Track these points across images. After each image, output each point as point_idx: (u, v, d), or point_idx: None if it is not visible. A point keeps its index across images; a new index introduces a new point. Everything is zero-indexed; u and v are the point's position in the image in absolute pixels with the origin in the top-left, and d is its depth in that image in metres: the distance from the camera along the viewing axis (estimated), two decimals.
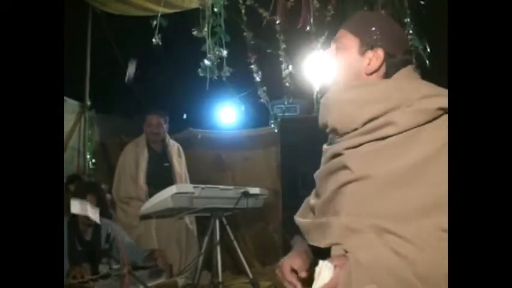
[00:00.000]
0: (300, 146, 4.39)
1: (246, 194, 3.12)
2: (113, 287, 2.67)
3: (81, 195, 3.18)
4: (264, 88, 4.76)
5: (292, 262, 1.34)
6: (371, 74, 1.34)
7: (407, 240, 1.14)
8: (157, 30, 3.59)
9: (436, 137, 1.20)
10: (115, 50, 5.23)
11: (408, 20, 3.50)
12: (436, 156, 1.19)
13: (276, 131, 4.75)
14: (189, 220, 4.03)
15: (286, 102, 4.79)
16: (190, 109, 5.84)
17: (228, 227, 3.20)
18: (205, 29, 3.31)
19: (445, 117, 1.22)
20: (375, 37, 1.33)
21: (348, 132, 1.31)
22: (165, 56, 5.35)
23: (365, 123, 1.27)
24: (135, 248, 3.17)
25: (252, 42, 4.62)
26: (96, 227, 3.19)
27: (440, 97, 1.23)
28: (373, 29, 1.34)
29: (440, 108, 1.22)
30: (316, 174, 1.46)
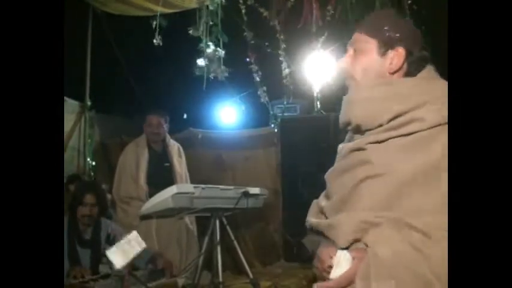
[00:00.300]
0: (300, 145, 4.39)
1: (246, 194, 3.12)
2: (113, 287, 2.67)
3: (80, 195, 3.18)
4: (264, 88, 4.77)
5: (329, 250, 1.30)
6: (394, 73, 1.37)
7: (425, 235, 1.17)
8: (157, 31, 3.59)
9: None
10: (115, 50, 5.23)
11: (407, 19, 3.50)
12: None
13: (276, 130, 4.76)
14: (189, 220, 4.03)
15: (286, 102, 4.80)
16: (191, 109, 5.85)
17: (228, 227, 3.20)
18: (201, 28, 3.31)
19: None
20: (393, 36, 1.35)
21: (371, 129, 1.34)
22: (166, 56, 5.37)
23: (390, 120, 1.30)
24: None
25: (252, 42, 4.63)
26: (95, 227, 3.19)
27: None
28: (390, 28, 1.36)
29: None
30: (329, 174, 1.47)
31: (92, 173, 5.19)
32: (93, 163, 5.28)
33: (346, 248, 1.26)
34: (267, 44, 4.64)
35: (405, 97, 1.30)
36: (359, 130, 1.37)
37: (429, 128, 1.26)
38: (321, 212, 1.46)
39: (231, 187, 3.21)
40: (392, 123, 1.30)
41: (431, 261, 1.14)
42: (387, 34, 1.35)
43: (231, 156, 5.09)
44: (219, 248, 3.08)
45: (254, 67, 4.72)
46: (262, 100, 4.83)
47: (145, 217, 3.61)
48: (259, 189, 3.28)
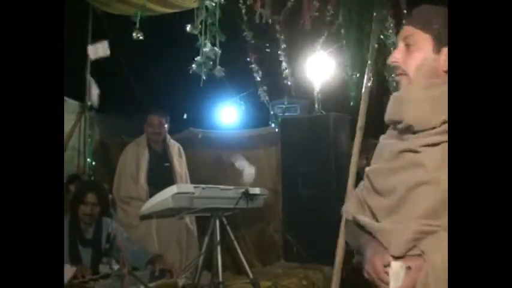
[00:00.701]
0: (301, 145, 4.38)
1: (246, 194, 3.12)
2: (113, 287, 2.67)
3: (82, 194, 3.18)
4: (264, 88, 4.77)
5: (383, 258, 1.27)
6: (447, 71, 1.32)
7: None
8: (137, 25, 3.59)
9: None
10: (115, 50, 5.23)
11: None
12: None
13: (276, 130, 4.76)
14: (189, 220, 4.03)
15: (286, 102, 4.79)
16: (191, 109, 5.84)
17: (228, 227, 3.19)
18: (199, 27, 3.31)
19: None
20: (447, 32, 1.28)
21: (424, 130, 1.30)
22: (166, 56, 5.37)
23: (444, 122, 1.27)
24: (136, 250, 3.16)
25: (252, 41, 4.63)
26: (97, 226, 3.19)
27: None
28: (443, 23, 1.30)
29: None
30: (375, 172, 1.42)
31: (92, 173, 5.19)
32: (93, 163, 5.28)
33: (400, 257, 1.24)
34: (267, 45, 4.64)
35: None
36: (409, 130, 1.34)
37: None
38: (368, 208, 1.43)
39: (231, 187, 3.21)
40: (446, 126, 1.26)
41: None
42: (441, 29, 1.31)
43: (231, 156, 5.09)
44: (219, 248, 3.08)
45: (254, 67, 4.72)
46: (262, 100, 4.83)
47: (145, 217, 3.61)
48: (259, 189, 3.28)
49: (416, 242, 1.23)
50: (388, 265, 1.24)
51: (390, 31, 3.55)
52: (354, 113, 3.73)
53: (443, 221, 1.19)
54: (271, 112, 4.83)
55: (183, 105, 5.70)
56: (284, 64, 4.64)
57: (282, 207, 4.52)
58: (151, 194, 3.51)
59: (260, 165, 4.91)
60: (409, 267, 1.20)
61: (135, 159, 4.02)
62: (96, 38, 5.12)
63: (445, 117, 1.26)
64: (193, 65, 3.45)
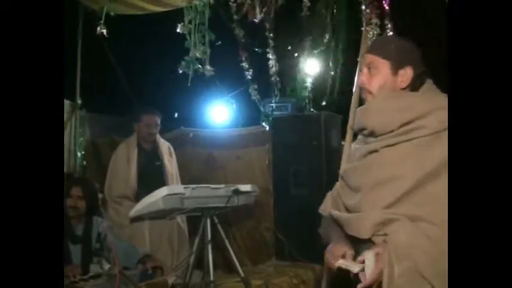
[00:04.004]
0: (292, 144, 4.38)
1: (236, 192, 3.12)
2: (104, 287, 2.66)
3: (67, 188, 3.17)
4: (255, 86, 4.76)
5: (341, 249, 1.58)
6: (404, 88, 1.65)
7: (435, 224, 1.42)
8: (103, 20, 3.58)
9: None
10: (106, 48, 5.20)
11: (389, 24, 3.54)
12: None
13: (267, 129, 4.75)
14: (180, 219, 4.03)
15: (275, 101, 4.79)
16: (182, 108, 5.82)
17: (219, 226, 3.19)
18: (189, 26, 3.30)
19: None
20: (402, 58, 1.63)
21: (384, 134, 1.60)
22: (157, 54, 5.34)
23: (400, 126, 1.57)
24: (127, 250, 3.15)
25: (243, 40, 4.62)
26: (87, 223, 3.18)
27: None
28: (399, 51, 1.64)
29: None
30: (349, 172, 1.72)
31: (83, 172, 5.16)
32: (84, 162, 5.25)
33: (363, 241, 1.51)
34: (256, 47, 4.63)
35: (411, 108, 1.57)
36: (373, 134, 1.65)
37: (430, 134, 1.52)
38: (343, 205, 1.72)
39: (222, 185, 3.21)
40: (402, 129, 1.56)
41: (437, 242, 1.39)
42: (397, 56, 1.63)
43: (222, 155, 5.08)
44: (210, 247, 3.08)
45: (245, 65, 4.71)
46: (253, 98, 4.82)
47: (136, 219, 3.61)
48: (250, 186, 3.29)
49: (381, 227, 1.49)
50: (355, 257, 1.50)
51: (379, 30, 3.56)
52: (345, 112, 3.74)
53: (406, 210, 1.48)
54: (262, 110, 4.82)
55: (173, 104, 5.68)
56: (274, 63, 4.64)
57: (273, 206, 4.52)
58: (142, 194, 3.49)
59: (251, 164, 4.92)
60: (377, 254, 1.43)
61: (125, 159, 4.01)
62: (86, 37, 5.10)
63: (400, 122, 1.56)
64: (182, 63, 3.44)
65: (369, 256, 1.45)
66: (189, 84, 3.21)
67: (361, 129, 1.70)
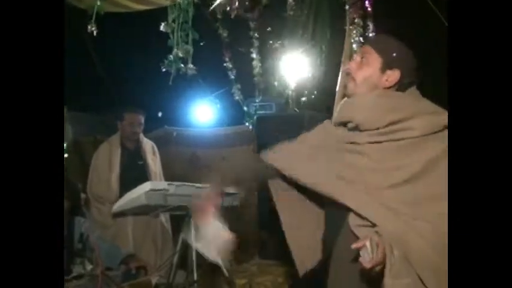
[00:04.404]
0: (276, 144, 4.38)
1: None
2: (86, 287, 2.63)
3: None
4: (239, 86, 4.76)
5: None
6: (387, 88, 1.67)
7: (416, 220, 1.48)
8: (93, 18, 3.55)
9: (439, 145, 1.54)
10: (89, 47, 5.16)
11: (370, 25, 3.57)
12: (438, 159, 1.53)
13: (250, 128, 4.76)
14: (164, 218, 4.00)
15: (258, 100, 4.80)
16: (166, 107, 5.80)
17: None
18: (172, 25, 3.29)
19: (447, 131, 1.54)
20: (395, 59, 1.66)
21: (369, 130, 1.62)
22: (140, 53, 5.31)
23: (387, 125, 1.59)
24: (110, 250, 3.12)
25: (227, 40, 4.62)
26: (69, 224, 3.13)
27: (445, 115, 1.57)
28: (395, 52, 1.67)
29: (446, 125, 1.56)
30: (322, 147, 1.76)
31: (65, 172, 5.10)
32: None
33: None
34: (240, 47, 4.63)
35: (401, 108, 1.60)
36: (356, 129, 1.66)
37: (418, 137, 1.56)
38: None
39: (206, 185, 3.18)
40: (388, 128, 1.59)
41: (421, 234, 1.47)
42: (391, 57, 1.66)
43: (206, 155, 5.07)
44: (193, 247, 3.06)
45: (228, 65, 4.71)
46: (237, 98, 4.82)
47: (119, 214, 3.57)
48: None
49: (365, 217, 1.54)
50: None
51: (362, 30, 3.58)
52: (329, 112, 3.75)
53: (389, 204, 1.52)
54: (245, 110, 4.82)
55: (157, 103, 5.66)
56: (257, 62, 4.65)
57: (258, 205, 4.53)
58: (125, 193, 3.47)
59: (236, 164, 4.91)
60: (377, 244, 1.45)
61: (108, 158, 3.97)
62: (69, 35, 5.03)
63: (387, 121, 1.59)
64: (165, 62, 3.43)
65: (369, 241, 1.45)
66: (170, 83, 3.19)
67: (345, 122, 1.71)
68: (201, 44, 3.64)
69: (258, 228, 4.43)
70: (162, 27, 3.44)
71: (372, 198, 1.56)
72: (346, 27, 3.65)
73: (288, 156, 1.88)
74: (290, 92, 4.73)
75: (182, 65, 3.48)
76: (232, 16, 3.78)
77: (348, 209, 1.59)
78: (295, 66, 4.70)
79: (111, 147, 4.03)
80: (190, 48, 3.43)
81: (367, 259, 1.42)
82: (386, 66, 1.66)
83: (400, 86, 1.68)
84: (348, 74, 1.74)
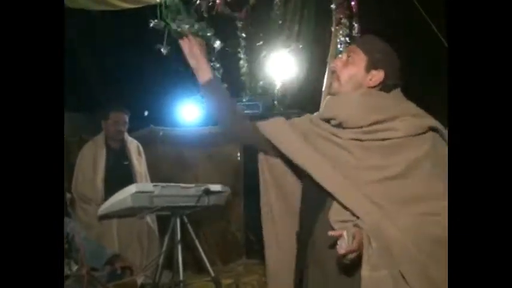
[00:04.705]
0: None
1: (207, 192, 3.10)
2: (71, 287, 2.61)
3: None
4: (225, 85, 4.74)
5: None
6: (371, 88, 1.69)
7: (396, 217, 1.50)
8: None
9: (422, 146, 1.58)
10: (75, 46, 5.11)
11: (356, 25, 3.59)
12: (421, 161, 1.56)
13: None
14: (150, 219, 3.99)
15: (244, 100, 4.78)
16: (152, 106, 5.76)
17: (189, 226, 3.18)
18: (163, 23, 3.24)
19: (430, 133, 1.60)
20: (380, 60, 1.68)
21: (352, 128, 1.64)
22: (126, 52, 5.27)
23: (371, 124, 1.61)
24: (95, 250, 3.10)
25: (214, 39, 4.60)
26: None
27: (428, 118, 1.63)
28: (380, 52, 1.70)
29: (429, 127, 1.60)
30: (302, 146, 1.73)
31: None
32: None
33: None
34: (227, 48, 4.61)
35: (384, 109, 1.63)
36: (340, 126, 1.68)
37: (402, 137, 1.58)
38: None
39: (192, 185, 3.18)
40: (372, 127, 1.62)
41: (401, 230, 1.47)
42: (376, 57, 1.69)
43: (193, 154, 5.06)
44: (179, 247, 3.06)
45: (215, 64, 4.69)
46: None
47: (105, 217, 3.55)
48: (221, 186, 3.27)
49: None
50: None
51: (348, 30, 3.60)
52: (314, 112, 3.76)
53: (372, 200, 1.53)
54: None
55: (143, 103, 5.62)
56: (243, 62, 4.64)
57: (244, 205, 4.53)
58: (110, 194, 3.44)
59: (222, 163, 4.92)
60: (354, 236, 1.46)
61: (92, 158, 3.94)
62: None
63: (371, 120, 1.61)
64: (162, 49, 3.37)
65: (346, 231, 1.48)
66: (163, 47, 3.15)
67: (329, 119, 1.73)
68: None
69: (245, 228, 4.44)
70: (152, 24, 3.38)
71: (356, 189, 1.57)
72: (332, 28, 3.67)
73: (280, 131, 1.84)
74: (276, 92, 4.73)
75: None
76: (214, 12, 3.75)
77: (329, 198, 1.61)
78: (281, 66, 4.70)
79: (95, 146, 4.00)
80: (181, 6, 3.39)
81: (343, 247, 1.44)
82: (372, 65, 1.69)
83: (384, 87, 1.70)
84: (333, 72, 1.76)
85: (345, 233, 1.46)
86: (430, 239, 1.47)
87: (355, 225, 1.51)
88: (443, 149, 1.60)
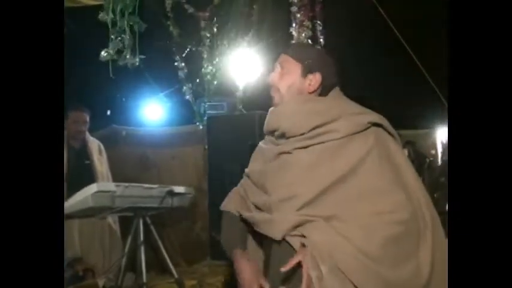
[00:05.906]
0: (228, 144, 4.37)
1: (170, 193, 3.07)
2: None
3: None
4: (189, 85, 4.71)
5: (259, 279, 1.58)
6: (311, 92, 1.70)
7: (348, 224, 1.49)
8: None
9: (365, 142, 1.58)
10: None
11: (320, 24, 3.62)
12: (366, 157, 1.56)
13: (201, 128, 4.72)
14: (112, 220, 3.92)
15: (209, 100, 4.77)
16: (114, 105, 5.67)
17: (152, 227, 3.13)
18: (111, 15, 3.16)
19: (372, 128, 1.61)
20: (313, 64, 1.70)
21: (294, 136, 1.65)
22: (86, 49, 5.16)
23: (311, 130, 1.62)
24: None
25: (178, 39, 4.57)
26: None
27: (368, 114, 1.64)
28: (311, 57, 1.72)
29: (369, 122, 1.61)
30: (260, 170, 1.74)
31: None
32: None
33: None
34: (192, 46, 4.58)
35: (322, 112, 1.64)
36: (283, 136, 1.68)
37: (342, 137, 1.58)
38: (254, 205, 1.73)
39: (155, 186, 3.14)
40: (312, 132, 1.62)
41: (352, 239, 1.45)
42: (309, 61, 1.70)
43: (156, 155, 5.01)
44: (142, 248, 3.01)
45: (179, 64, 4.65)
46: (187, 97, 4.77)
47: (65, 217, 3.46)
48: (184, 188, 3.24)
49: (294, 229, 1.52)
50: None
51: (311, 32, 3.63)
52: None
53: (320, 211, 1.52)
54: (195, 109, 4.78)
55: (105, 102, 5.52)
56: (207, 61, 4.62)
57: (209, 205, 4.50)
58: (71, 194, 3.37)
59: (186, 164, 4.88)
60: (299, 261, 1.43)
61: None
62: None
63: (311, 126, 1.61)
64: (102, 54, 3.27)
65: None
66: (111, 76, 3.06)
67: (272, 131, 1.74)
68: (159, 43, 3.53)
69: (209, 228, 4.41)
70: (100, 17, 3.28)
71: (299, 205, 1.54)
72: (293, 29, 3.69)
73: (236, 198, 1.89)
74: (238, 92, 4.73)
75: (127, 56, 3.35)
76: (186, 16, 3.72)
77: None
78: (245, 66, 4.70)
79: None
80: (134, 40, 3.30)
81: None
82: (307, 70, 1.70)
83: (324, 89, 1.71)
84: (271, 86, 1.76)
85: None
86: (384, 241, 1.45)
87: (302, 245, 1.49)
88: (388, 142, 1.63)
